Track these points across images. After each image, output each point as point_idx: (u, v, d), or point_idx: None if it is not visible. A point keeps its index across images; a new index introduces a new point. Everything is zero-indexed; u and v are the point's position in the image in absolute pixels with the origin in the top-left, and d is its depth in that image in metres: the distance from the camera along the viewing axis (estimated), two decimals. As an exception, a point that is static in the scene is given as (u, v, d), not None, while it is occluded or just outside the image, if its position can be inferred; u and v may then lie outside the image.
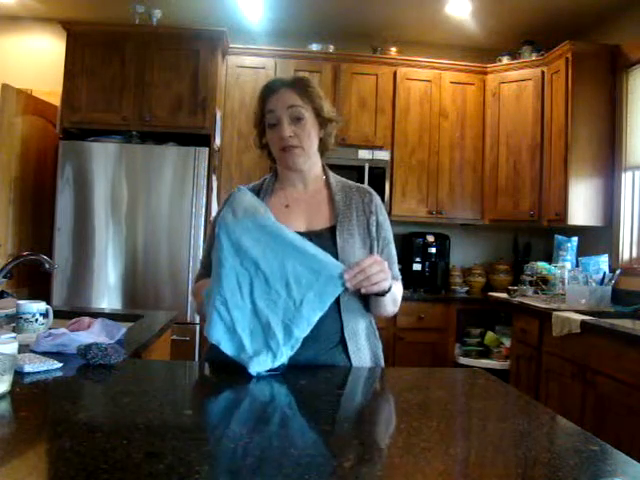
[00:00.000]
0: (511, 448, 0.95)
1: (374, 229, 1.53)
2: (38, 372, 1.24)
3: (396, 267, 1.58)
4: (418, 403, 1.22)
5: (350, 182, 1.63)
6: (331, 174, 1.61)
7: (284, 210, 1.52)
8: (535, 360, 3.29)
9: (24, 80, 4.02)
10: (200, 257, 3.52)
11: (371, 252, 1.49)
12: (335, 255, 1.41)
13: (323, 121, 1.52)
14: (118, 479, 0.75)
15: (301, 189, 1.57)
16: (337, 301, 1.41)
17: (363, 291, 1.35)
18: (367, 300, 1.50)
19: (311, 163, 1.55)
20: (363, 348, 1.48)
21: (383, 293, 1.39)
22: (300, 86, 1.50)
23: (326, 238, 1.46)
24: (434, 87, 4.22)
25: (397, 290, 1.52)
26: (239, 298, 1.34)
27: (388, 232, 1.58)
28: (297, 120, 1.48)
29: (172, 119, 3.66)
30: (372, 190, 1.63)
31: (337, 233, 1.46)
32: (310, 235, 1.45)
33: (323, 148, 1.58)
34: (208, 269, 1.48)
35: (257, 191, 1.57)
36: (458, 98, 4.23)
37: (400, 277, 1.60)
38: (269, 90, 1.51)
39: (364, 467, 0.85)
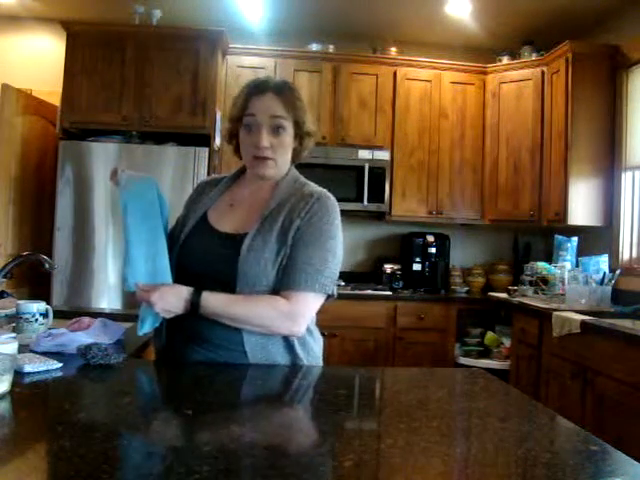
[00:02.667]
0: (511, 448, 0.95)
1: (291, 235, 1.40)
2: (38, 372, 1.24)
3: (297, 276, 1.38)
4: (418, 403, 1.22)
5: (306, 187, 1.49)
6: (289, 177, 1.51)
7: (226, 209, 1.51)
8: (535, 360, 3.29)
9: (24, 80, 4.02)
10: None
11: (282, 262, 1.39)
12: (236, 261, 1.37)
13: (302, 134, 1.48)
14: (118, 479, 0.75)
15: (252, 189, 1.52)
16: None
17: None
18: None
19: (280, 174, 1.50)
20: (271, 357, 1.41)
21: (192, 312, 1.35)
22: (287, 95, 1.45)
23: (237, 242, 1.40)
24: (434, 87, 4.22)
25: (255, 307, 1.37)
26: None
27: (311, 235, 1.40)
28: (277, 131, 1.43)
29: (172, 119, 3.66)
30: (321, 196, 1.45)
31: (246, 240, 1.39)
32: (227, 237, 1.44)
33: (294, 159, 1.53)
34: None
35: (216, 184, 1.58)
36: (458, 98, 4.23)
37: (297, 290, 1.37)
38: (255, 90, 1.45)
39: (364, 467, 0.85)
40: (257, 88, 1.45)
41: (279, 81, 1.50)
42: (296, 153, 1.52)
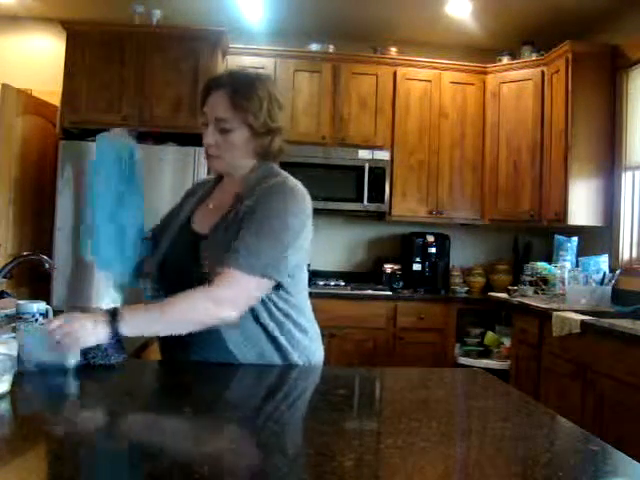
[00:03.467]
0: (511, 448, 0.95)
1: (240, 218, 1.38)
2: (37, 372, 1.23)
3: (236, 255, 1.31)
4: (418, 403, 1.22)
5: (270, 179, 1.43)
6: (257, 174, 1.46)
7: (207, 209, 1.52)
8: (535, 360, 3.28)
9: (24, 80, 4.02)
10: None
11: None
12: (204, 260, 1.37)
13: (258, 133, 1.43)
14: (118, 479, 0.75)
15: (225, 188, 1.52)
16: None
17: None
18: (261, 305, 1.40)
19: (237, 169, 1.47)
20: (259, 353, 1.40)
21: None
22: (237, 93, 1.40)
23: (203, 240, 1.41)
24: (434, 87, 4.22)
25: (178, 306, 1.32)
26: None
27: (255, 219, 1.36)
28: (223, 132, 1.42)
29: (172, 119, 3.66)
30: (279, 183, 1.42)
31: (209, 237, 1.40)
32: (200, 237, 1.44)
33: (265, 155, 1.47)
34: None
35: (203, 186, 1.60)
36: (458, 98, 4.23)
37: (231, 267, 1.31)
38: (208, 88, 1.45)
39: (364, 467, 0.85)
40: (209, 86, 1.46)
41: (238, 76, 1.46)
42: (263, 149, 1.46)
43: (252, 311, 1.37)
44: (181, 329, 1.31)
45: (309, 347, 1.47)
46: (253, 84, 1.43)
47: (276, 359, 1.41)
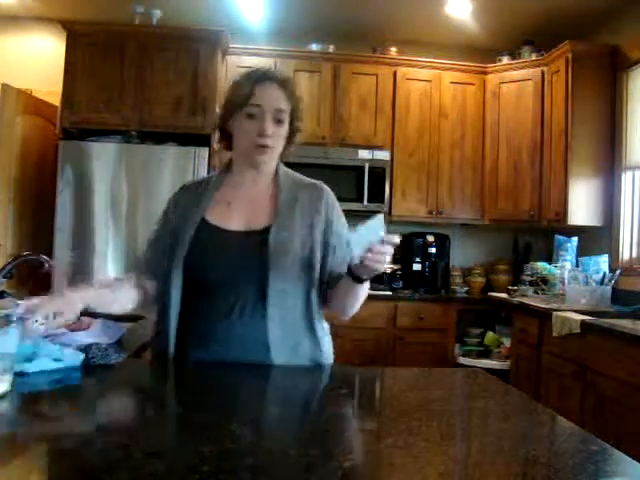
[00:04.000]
0: (511, 448, 0.95)
1: (318, 229, 1.47)
2: (38, 372, 1.23)
3: None
4: (418, 403, 1.22)
5: (305, 179, 1.56)
6: (283, 171, 1.55)
7: (226, 207, 1.50)
8: (535, 360, 3.28)
9: (24, 80, 4.02)
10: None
11: (311, 254, 1.44)
12: (267, 255, 1.39)
13: (293, 129, 1.50)
14: (118, 479, 0.75)
15: (249, 185, 1.51)
16: (264, 306, 1.39)
17: (361, 266, 1.33)
18: (307, 303, 1.46)
19: (272, 165, 1.52)
20: (293, 354, 1.42)
21: (365, 278, 1.38)
22: (289, 89, 1.47)
23: (262, 238, 1.42)
24: (434, 87, 4.22)
25: (366, 289, 1.46)
26: None
27: (340, 229, 1.51)
28: (278, 123, 1.45)
29: (172, 119, 3.66)
30: (324, 186, 1.55)
31: (272, 233, 1.41)
32: (247, 234, 1.44)
33: (284, 153, 1.53)
34: (152, 256, 1.51)
35: (204, 185, 1.54)
36: (458, 98, 4.23)
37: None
38: (262, 78, 1.45)
39: (364, 467, 0.85)
40: (263, 76, 1.46)
41: (280, 74, 1.52)
42: (284, 150, 1.52)
43: (297, 304, 1.44)
44: (349, 309, 1.50)
45: (330, 342, 1.56)
46: (293, 82, 1.51)
47: (308, 353, 1.46)
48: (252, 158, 1.47)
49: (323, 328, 1.53)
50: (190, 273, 1.43)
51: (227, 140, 1.53)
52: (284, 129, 1.47)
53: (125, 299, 1.50)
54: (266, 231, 1.43)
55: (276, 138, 1.45)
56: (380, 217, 1.32)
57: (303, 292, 1.45)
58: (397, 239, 1.30)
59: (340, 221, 1.52)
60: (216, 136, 1.58)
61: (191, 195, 1.54)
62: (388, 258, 1.31)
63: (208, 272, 1.42)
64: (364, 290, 1.45)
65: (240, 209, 1.49)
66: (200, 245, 1.43)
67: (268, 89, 1.44)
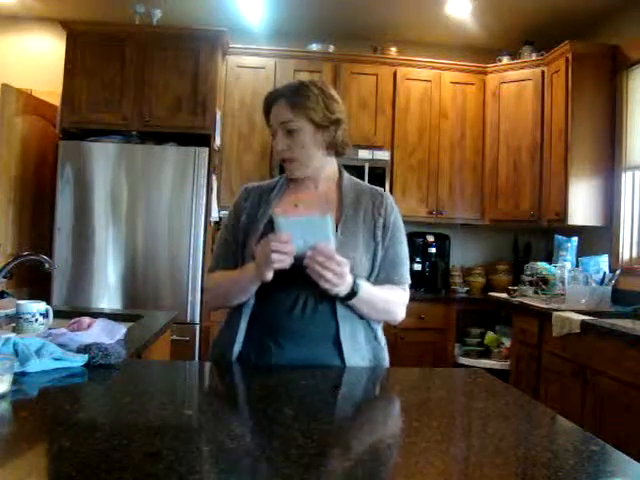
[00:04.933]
0: (511, 448, 0.95)
1: (380, 232, 1.52)
2: (38, 372, 1.23)
3: (402, 270, 1.56)
4: (418, 403, 1.22)
5: (365, 185, 1.62)
6: (346, 175, 1.61)
7: (293, 209, 1.54)
8: (535, 360, 3.29)
9: (24, 80, 4.02)
10: (201, 255, 3.54)
11: (374, 256, 1.49)
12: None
13: (321, 126, 1.51)
14: (118, 479, 0.75)
15: (312, 190, 1.57)
16: (332, 303, 1.43)
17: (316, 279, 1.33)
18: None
19: (314, 168, 1.55)
20: (360, 350, 1.47)
21: (337, 296, 1.38)
22: (294, 97, 1.50)
23: None
24: (434, 87, 4.22)
25: (389, 295, 1.50)
26: None
27: (398, 232, 1.57)
28: (290, 134, 1.49)
29: (172, 119, 3.66)
30: (385, 192, 1.60)
31: (338, 231, 1.45)
32: None
33: (334, 148, 1.56)
34: (224, 262, 1.55)
35: (270, 190, 1.59)
36: (458, 98, 4.23)
37: (405, 282, 1.56)
38: (268, 103, 1.54)
39: (364, 467, 0.85)
40: (268, 101, 1.54)
41: (292, 85, 1.55)
42: (332, 144, 1.54)
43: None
44: (378, 313, 1.50)
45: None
46: (304, 84, 1.54)
47: (371, 352, 1.49)
48: (288, 174, 1.56)
49: (380, 329, 1.56)
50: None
51: None
52: (301, 135, 1.49)
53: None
54: None
55: (294, 148, 1.50)
56: (329, 216, 1.33)
57: None
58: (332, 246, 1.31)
59: (397, 223, 1.58)
60: None
61: (257, 196, 1.59)
62: (339, 269, 1.31)
63: (284, 271, 1.43)
64: (365, 303, 1.44)
65: (307, 210, 1.53)
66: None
67: (276, 107, 1.52)
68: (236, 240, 1.55)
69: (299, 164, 1.52)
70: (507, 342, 3.83)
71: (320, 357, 1.43)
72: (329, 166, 1.58)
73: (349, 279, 1.36)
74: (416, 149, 4.20)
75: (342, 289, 1.35)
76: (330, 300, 1.43)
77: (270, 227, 1.47)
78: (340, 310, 1.44)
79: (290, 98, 1.50)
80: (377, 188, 1.61)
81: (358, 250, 1.46)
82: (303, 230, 1.31)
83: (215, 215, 3.80)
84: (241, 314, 1.48)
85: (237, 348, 1.46)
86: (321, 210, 1.52)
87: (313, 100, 1.50)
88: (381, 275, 1.51)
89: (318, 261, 1.30)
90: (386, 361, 1.55)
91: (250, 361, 1.45)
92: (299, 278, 1.41)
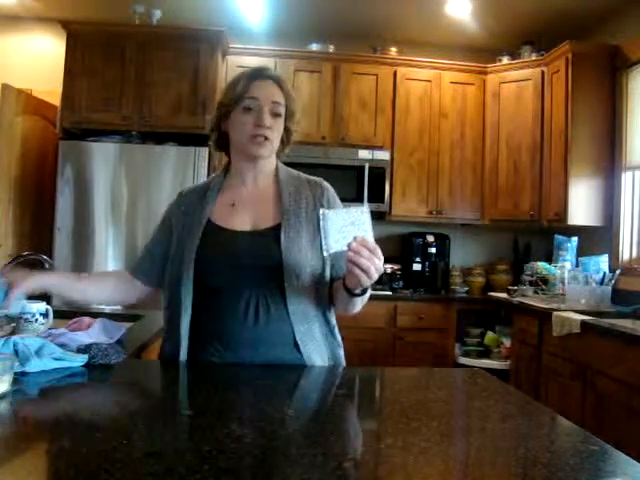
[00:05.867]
0: (511, 448, 0.95)
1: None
2: (38, 372, 1.23)
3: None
4: (418, 403, 1.22)
5: (303, 175, 1.57)
6: (283, 169, 1.56)
7: (230, 209, 1.49)
8: (535, 360, 3.28)
9: (24, 80, 4.02)
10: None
11: (321, 249, 1.39)
12: (279, 254, 1.39)
13: (289, 127, 1.52)
14: (118, 479, 0.75)
15: (250, 186, 1.52)
16: (285, 305, 1.40)
17: (348, 273, 1.29)
18: (321, 300, 1.46)
19: (269, 160, 1.53)
20: (320, 349, 1.44)
21: (361, 291, 1.35)
22: (284, 86, 1.50)
23: (271, 237, 1.43)
24: (434, 87, 4.22)
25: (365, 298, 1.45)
26: None
27: None
28: (275, 116, 1.46)
29: (172, 119, 3.66)
30: (325, 183, 1.56)
31: (282, 231, 1.42)
32: (255, 234, 1.45)
33: (279, 151, 1.55)
34: (146, 259, 1.55)
35: (204, 191, 1.53)
36: (458, 98, 4.23)
37: None
38: (257, 75, 1.48)
39: (364, 467, 0.85)
40: (258, 74, 1.49)
41: (275, 73, 1.54)
42: (284, 144, 1.55)
43: (312, 301, 1.44)
44: (360, 306, 1.46)
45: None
46: (288, 83, 1.53)
47: (329, 350, 1.47)
48: (249, 150, 1.46)
49: (336, 326, 1.52)
50: (199, 276, 1.42)
51: (223, 141, 1.54)
52: (281, 124, 1.49)
53: (97, 293, 1.57)
54: (273, 230, 1.44)
55: (275, 132, 1.47)
56: (366, 209, 1.29)
57: (315, 289, 1.44)
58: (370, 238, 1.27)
59: None
60: (212, 139, 1.58)
61: (192, 199, 1.54)
62: (379, 263, 1.25)
63: (218, 274, 1.41)
64: (362, 299, 1.42)
65: (245, 209, 1.49)
66: (208, 247, 1.42)
67: (264, 84, 1.47)
68: (161, 251, 1.52)
69: (271, 147, 1.47)
70: (507, 342, 3.83)
71: (279, 360, 1.39)
72: (272, 161, 1.55)
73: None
74: (416, 149, 4.20)
75: (371, 281, 1.30)
76: (281, 301, 1.40)
77: (212, 228, 1.44)
78: (293, 311, 1.40)
79: (278, 82, 1.49)
80: (315, 179, 1.56)
81: (302, 248, 1.42)
82: (343, 223, 1.27)
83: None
84: (181, 320, 1.42)
85: (183, 354, 1.41)
86: (262, 206, 1.48)
87: (294, 96, 1.53)
88: (335, 275, 1.46)
89: (364, 255, 1.24)
90: (343, 360, 1.52)
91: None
92: (247, 279, 1.39)
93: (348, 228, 1.26)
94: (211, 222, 1.47)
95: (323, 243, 1.25)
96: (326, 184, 1.55)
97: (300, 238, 1.42)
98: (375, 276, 1.26)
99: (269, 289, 1.40)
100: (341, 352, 1.52)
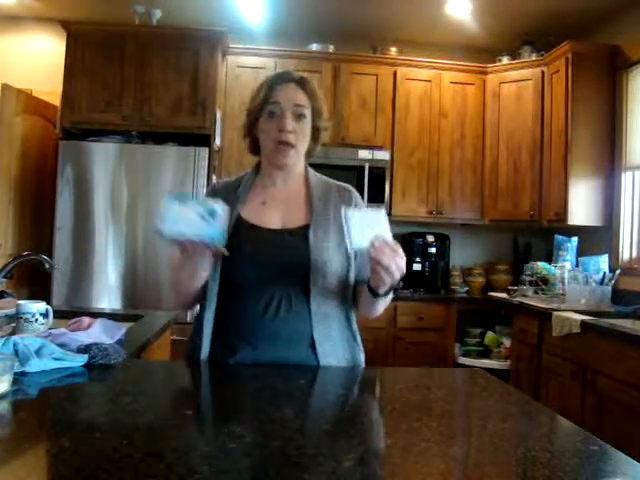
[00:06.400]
0: (511, 448, 0.95)
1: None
2: (38, 372, 1.23)
3: None
4: (418, 403, 1.22)
5: (331, 180, 1.59)
6: (312, 173, 1.58)
7: (261, 207, 1.51)
8: (535, 360, 3.29)
9: (24, 80, 4.02)
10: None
11: (346, 253, 1.46)
12: (308, 253, 1.41)
13: (318, 127, 1.52)
14: (118, 479, 0.75)
15: (280, 187, 1.54)
16: (307, 304, 1.41)
17: (371, 272, 1.31)
18: (344, 302, 1.48)
19: (298, 164, 1.54)
20: (336, 351, 1.45)
21: (384, 292, 1.37)
22: (308, 86, 1.50)
23: (300, 236, 1.44)
24: (434, 87, 4.22)
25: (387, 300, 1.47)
26: None
27: None
28: (299, 118, 1.46)
29: (172, 119, 3.66)
30: (352, 188, 1.58)
31: (310, 231, 1.44)
32: (284, 232, 1.46)
33: (309, 153, 1.56)
34: None
35: (236, 187, 1.55)
36: (458, 98, 4.23)
37: None
38: (279, 80, 1.49)
39: (364, 467, 0.85)
40: (280, 78, 1.50)
41: (297, 74, 1.54)
42: (309, 149, 1.54)
43: (337, 303, 1.46)
44: (382, 309, 1.48)
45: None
46: (313, 83, 1.53)
47: (348, 352, 1.48)
48: (274, 157, 1.49)
49: (358, 330, 1.54)
50: (226, 270, 1.43)
51: (256, 145, 1.55)
52: (307, 125, 1.48)
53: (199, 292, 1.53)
54: (302, 230, 1.46)
55: (299, 135, 1.47)
56: (383, 211, 1.32)
57: (339, 291, 1.46)
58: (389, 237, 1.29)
59: None
60: (246, 145, 1.58)
61: (224, 194, 1.53)
62: (401, 262, 1.28)
63: (245, 269, 1.42)
64: (385, 301, 1.44)
65: (275, 208, 1.51)
66: (238, 243, 1.41)
67: (285, 87, 1.47)
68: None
69: (295, 152, 1.48)
70: (507, 342, 3.83)
71: (295, 358, 1.40)
72: (301, 164, 1.57)
73: None
74: (416, 149, 4.20)
75: (394, 282, 1.32)
76: (304, 300, 1.41)
77: (242, 224, 1.46)
78: (315, 310, 1.41)
79: (302, 85, 1.48)
80: (343, 184, 1.58)
81: (330, 249, 1.44)
82: (364, 222, 1.30)
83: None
84: (205, 315, 1.44)
85: (205, 351, 1.42)
86: (292, 206, 1.50)
87: (320, 98, 1.52)
88: (359, 277, 1.48)
89: (386, 253, 1.26)
90: (363, 364, 1.53)
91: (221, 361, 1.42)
92: (273, 276, 1.40)
93: (369, 227, 1.29)
94: (241, 218, 1.48)
95: (347, 240, 1.29)
96: (353, 190, 1.58)
97: (328, 240, 1.44)
98: (397, 274, 1.29)
99: (293, 287, 1.42)
100: (362, 356, 1.53)
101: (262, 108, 1.47)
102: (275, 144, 1.46)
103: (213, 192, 1.57)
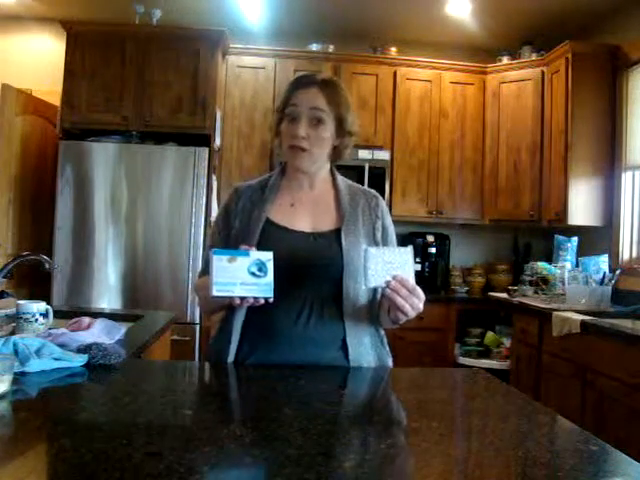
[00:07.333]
0: (511, 448, 0.95)
1: (379, 234, 1.52)
2: (38, 372, 1.23)
3: None
4: (418, 403, 1.22)
5: (356, 185, 1.60)
6: (339, 177, 1.58)
7: (289, 209, 1.50)
8: (535, 360, 3.28)
9: (24, 80, 4.02)
10: (201, 256, 3.53)
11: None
12: (340, 256, 1.42)
13: (342, 132, 1.49)
14: (118, 479, 0.75)
15: (307, 189, 1.53)
16: (340, 307, 1.41)
17: (389, 307, 1.34)
18: (373, 309, 1.50)
19: (317, 167, 1.52)
20: (367, 355, 1.46)
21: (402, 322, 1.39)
22: (331, 90, 1.47)
23: (331, 239, 1.45)
24: (434, 87, 4.22)
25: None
26: None
27: (393, 234, 1.57)
28: (316, 123, 1.44)
29: (172, 119, 3.66)
30: (377, 194, 1.60)
31: (342, 235, 1.44)
32: (315, 235, 1.46)
33: (336, 157, 1.54)
34: None
35: (262, 187, 1.54)
36: (458, 98, 4.23)
37: None
38: (299, 83, 1.48)
39: (364, 467, 0.85)
40: (302, 81, 1.49)
41: (326, 76, 1.52)
42: (337, 152, 1.53)
43: (366, 307, 1.47)
44: (392, 327, 1.51)
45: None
46: (340, 85, 1.51)
47: (376, 354, 1.49)
48: (289, 160, 1.49)
49: (385, 336, 1.57)
50: None
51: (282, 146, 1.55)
52: (325, 130, 1.45)
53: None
54: (334, 233, 1.46)
55: (313, 140, 1.44)
56: (409, 250, 1.33)
57: (368, 296, 1.48)
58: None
59: (391, 228, 1.57)
60: (275, 144, 1.58)
61: (249, 196, 1.53)
62: (418, 303, 1.31)
63: (279, 273, 1.39)
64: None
65: (304, 211, 1.50)
66: (267, 246, 1.39)
67: (306, 90, 1.46)
68: (227, 246, 1.49)
69: (309, 157, 1.46)
70: (507, 342, 3.83)
71: (325, 362, 1.41)
72: (326, 167, 1.56)
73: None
74: (416, 149, 4.20)
75: (411, 316, 1.36)
76: (335, 304, 1.42)
77: (271, 227, 1.45)
78: (346, 313, 1.42)
79: (324, 89, 1.45)
80: (369, 190, 1.60)
81: (361, 250, 1.42)
82: (385, 261, 1.31)
83: (215, 215, 3.80)
84: (234, 317, 1.43)
85: (232, 353, 1.43)
86: (320, 210, 1.50)
87: (345, 101, 1.49)
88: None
89: (401, 294, 1.29)
90: (391, 365, 1.55)
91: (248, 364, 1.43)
92: (305, 281, 1.41)
93: (390, 267, 1.31)
94: (270, 220, 1.47)
95: (363, 278, 1.31)
96: (379, 196, 1.60)
97: (359, 244, 1.44)
98: (412, 314, 1.33)
99: (325, 290, 1.42)
100: (390, 361, 1.54)
101: (283, 110, 1.47)
102: (288, 147, 1.46)
103: (237, 195, 1.55)
